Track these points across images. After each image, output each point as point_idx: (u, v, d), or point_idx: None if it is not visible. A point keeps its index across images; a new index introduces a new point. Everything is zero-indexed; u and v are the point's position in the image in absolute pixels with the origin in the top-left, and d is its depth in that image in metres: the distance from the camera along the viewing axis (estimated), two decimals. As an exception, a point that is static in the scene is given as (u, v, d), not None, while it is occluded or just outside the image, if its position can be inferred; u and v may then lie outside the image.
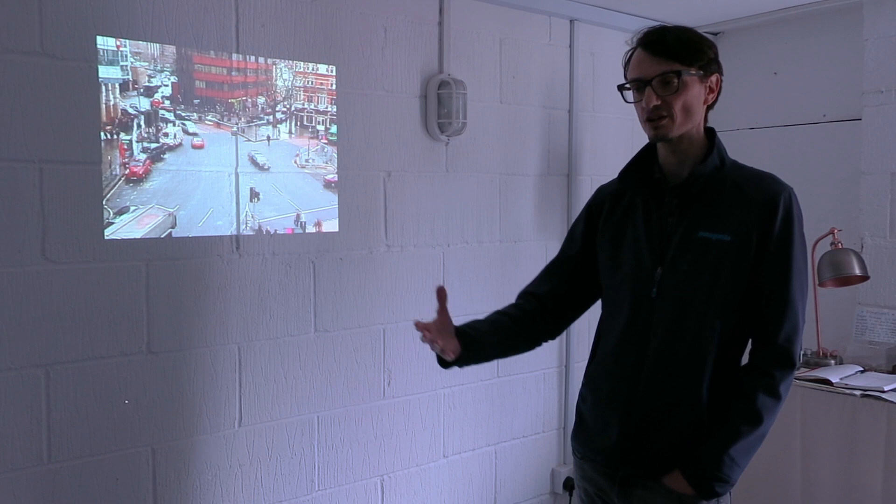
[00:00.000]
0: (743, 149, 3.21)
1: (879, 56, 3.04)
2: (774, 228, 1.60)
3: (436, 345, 1.68)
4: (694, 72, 1.60)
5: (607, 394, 1.74)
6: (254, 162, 2.40)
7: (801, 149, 3.38)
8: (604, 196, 1.84)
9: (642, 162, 1.75)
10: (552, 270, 1.91)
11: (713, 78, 1.65)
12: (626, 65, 1.68)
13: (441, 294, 1.70)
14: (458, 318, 2.89)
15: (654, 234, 1.69)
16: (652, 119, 1.62)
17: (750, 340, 1.69)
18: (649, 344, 1.66)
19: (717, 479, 1.59)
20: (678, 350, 1.64)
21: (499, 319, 1.84)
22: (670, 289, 1.65)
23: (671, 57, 1.59)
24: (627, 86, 1.67)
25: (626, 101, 1.71)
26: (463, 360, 1.75)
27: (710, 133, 1.70)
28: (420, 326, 1.68)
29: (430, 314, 2.84)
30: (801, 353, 2.91)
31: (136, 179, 2.18)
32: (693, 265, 1.63)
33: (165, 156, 2.23)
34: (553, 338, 1.91)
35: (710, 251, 1.62)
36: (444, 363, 1.78)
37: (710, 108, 1.69)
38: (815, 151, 3.34)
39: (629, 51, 1.68)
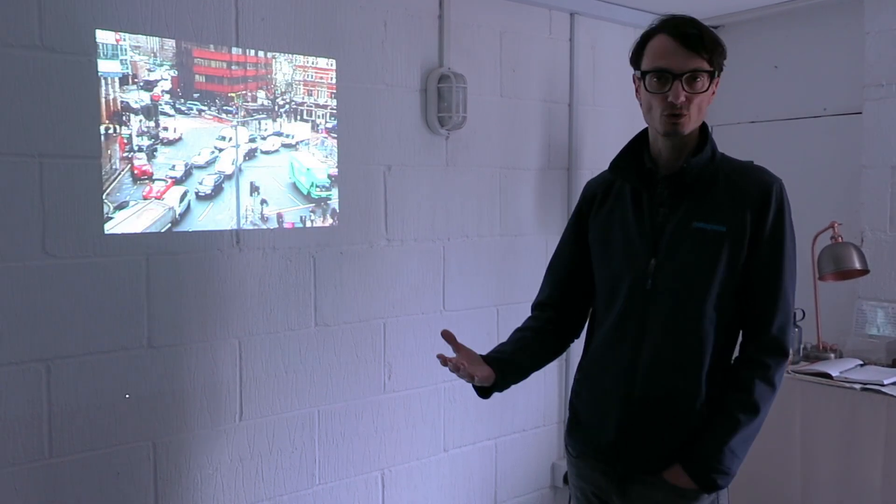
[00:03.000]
0: (743, 143, 3.21)
1: (880, 49, 3.03)
2: (768, 220, 1.60)
3: (467, 375, 1.65)
4: (717, 73, 1.60)
5: (604, 389, 1.72)
6: (253, 156, 2.40)
7: (802, 142, 3.37)
8: (594, 189, 1.82)
9: (633, 152, 1.73)
10: (553, 275, 1.90)
11: (718, 79, 1.64)
12: (641, 48, 1.61)
13: (448, 337, 1.68)
14: (460, 312, 2.93)
15: (645, 224, 1.67)
16: (673, 114, 1.56)
17: (741, 332, 1.68)
18: (646, 336, 1.65)
19: (718, 472, 1.59)
20: (676, 342, 1.63)
21: (522, 336, 1.84)
22: (666, 280, 1.64)
23: (705, 55, 1.56)
24: (654, 75, 1.57)
25: (647, 89, 1.59)
26: (500, 384, 1.73)
27: (702, 126, 1.69)
28: (446, 359, 1.65)
29: (430, 309, 2.86)
30: (802, 344, 2.96)
31: (135, 173, 2.17)
32: (690, 256, 1.62)
33: (165, 150, 2.22)
34: (578, 336, 1.91)
35: (707, 242, 1.61)
36: (485, 392, 1.75)
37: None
38: (816, 145, 3.33)
39: (646, 34, 1.61)
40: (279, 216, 2.46)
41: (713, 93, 1.64)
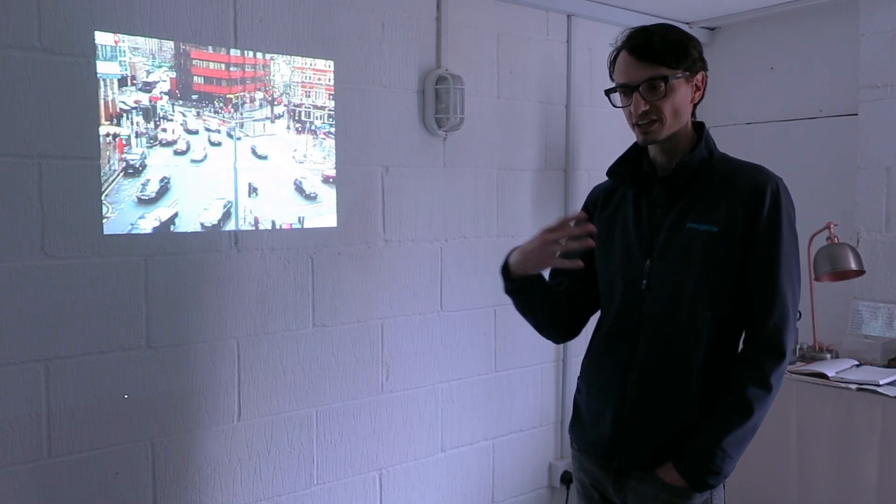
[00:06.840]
0: (739, 144, 3.21)
1: (875, 51, 3.05)
2: (762, 219, 1.60)
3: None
4: (680, 74, 1.61)
5: (600, 386, 1.76)
6: (252, 157, 2.40)
7: (798, 144, 3.39)
8: (597, 194, 1.88)
9: (631, 157, 1.77)
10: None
11: (699, 76, 1.66)
12: (612, 66, 1.70)
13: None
14: (457, 312, 2.95)
15: (643, 226, 1.71)
16: (640, 124, 1.63)
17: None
18: (640, 336, 1.68)
19: (709, 472, 1.60)
20: (668, 341, 1.65)
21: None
22: (659, 280, 1.67)
23: (658, 61, 1.60)
24: (615, 89, 1.68)
25: (613, 105, 1.72)
26: (527, 284, 1.80)
27: (700, 126, 1.71)
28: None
29: (427, 309, 2.87)
30: (798, 344, 2.96)
31: (134, 174, 2.18)
32: (681, 256, 1.64)
33: (163, 151, 2.23)
34: (576, 334, 1.92)
35: (698, 242, 1.63)
36: (515, 281, 1.80)
37: (696, 104, 1.70)
38: (812, 146, 3.35)
39: (613, 52, 1.69)
40: (277, 217, 2.46)
41: (697, 90, 1.67)
